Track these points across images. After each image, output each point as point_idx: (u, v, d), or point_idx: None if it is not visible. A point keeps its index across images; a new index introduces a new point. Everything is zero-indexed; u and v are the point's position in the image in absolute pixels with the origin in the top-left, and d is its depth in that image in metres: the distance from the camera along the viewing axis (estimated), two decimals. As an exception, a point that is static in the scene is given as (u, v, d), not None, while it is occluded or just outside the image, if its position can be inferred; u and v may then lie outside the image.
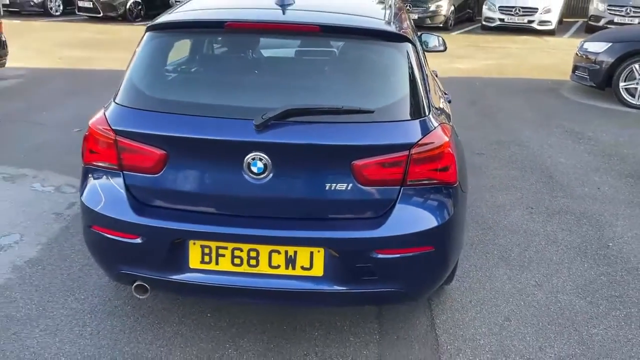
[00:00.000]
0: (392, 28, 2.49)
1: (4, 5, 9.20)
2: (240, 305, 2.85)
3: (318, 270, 2.29)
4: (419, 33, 4.64)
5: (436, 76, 4.40)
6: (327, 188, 2.25)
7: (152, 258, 2.34)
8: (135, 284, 2.42)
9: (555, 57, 10.98)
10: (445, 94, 3.18)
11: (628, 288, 3.16)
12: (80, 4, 14.93)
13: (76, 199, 4.04)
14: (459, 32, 14.63)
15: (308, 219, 2.30)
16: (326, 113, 2.25)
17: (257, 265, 2.30)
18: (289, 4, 2.55)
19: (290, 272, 2.30)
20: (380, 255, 2.27)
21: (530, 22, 14.16)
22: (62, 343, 2.59)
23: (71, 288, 3.00)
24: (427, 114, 2.36)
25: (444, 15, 14.63)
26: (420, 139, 2.26)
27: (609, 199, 4.34)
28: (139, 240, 2.31)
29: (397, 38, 2.46)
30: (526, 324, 2.82)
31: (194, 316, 2.80)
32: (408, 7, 14.58)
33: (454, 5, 15.09)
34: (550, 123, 6.46)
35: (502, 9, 14.41)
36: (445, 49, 4.62)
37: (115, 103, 2.41)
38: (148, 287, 2.43)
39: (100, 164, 2.39)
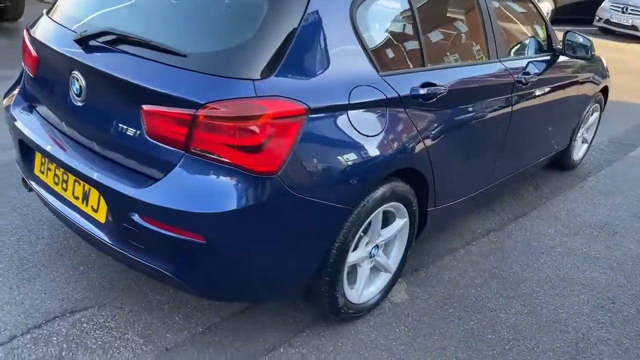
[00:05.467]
0: None
1: None
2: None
3: (102, 216, 2.07)
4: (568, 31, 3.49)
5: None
6: (121, 129, 1.98)
7: (20, 157, 2.47)
8: (22, 177, 2.58)
9: None
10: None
11: None
12: None
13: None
14: None
15: (105, 158, 2.07)
16: (138, 45, 1.96)
17: (66, 190, 2.20)
18: None
19: (84, 208, 2.13)
20: (144, 223, 1.91)
21: None
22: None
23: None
24: (261, 77, 1.82)
25: None
26: (215, 101, 1.77)
27: None
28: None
29: None
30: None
31: (87, 265, 2.64)
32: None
33: None
34: None
35: None
36: (591, 57, 3.35)
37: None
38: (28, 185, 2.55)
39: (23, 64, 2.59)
